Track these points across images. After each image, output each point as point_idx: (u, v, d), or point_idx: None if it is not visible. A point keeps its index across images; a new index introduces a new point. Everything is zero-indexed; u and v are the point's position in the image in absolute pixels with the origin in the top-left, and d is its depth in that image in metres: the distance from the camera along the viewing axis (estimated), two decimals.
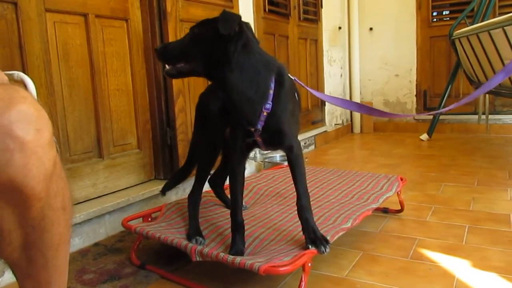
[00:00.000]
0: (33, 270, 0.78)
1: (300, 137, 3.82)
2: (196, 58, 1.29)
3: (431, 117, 4.18)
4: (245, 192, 1.96)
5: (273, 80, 1.29)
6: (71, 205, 0.80)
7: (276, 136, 1.35)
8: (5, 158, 0.62)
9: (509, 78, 2.80)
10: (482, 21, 3.58)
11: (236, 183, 1.43)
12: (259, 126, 1.30)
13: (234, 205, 1.44)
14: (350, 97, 4.85)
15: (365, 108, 1.88)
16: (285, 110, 1.32)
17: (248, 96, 1.26)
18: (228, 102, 1.34)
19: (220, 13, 1.26)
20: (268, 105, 1.28)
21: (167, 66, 1.33)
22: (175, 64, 1.31)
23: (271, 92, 1.28)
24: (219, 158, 1.69)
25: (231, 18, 1.24)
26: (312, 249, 1.30)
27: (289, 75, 1.40)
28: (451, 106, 1.90)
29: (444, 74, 4.45)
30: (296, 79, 1.48)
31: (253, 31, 1.39)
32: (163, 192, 1.82)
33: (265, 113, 1.28)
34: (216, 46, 1.25)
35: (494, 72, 3.01)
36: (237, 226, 1.42)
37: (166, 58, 1.33)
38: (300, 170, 1.39)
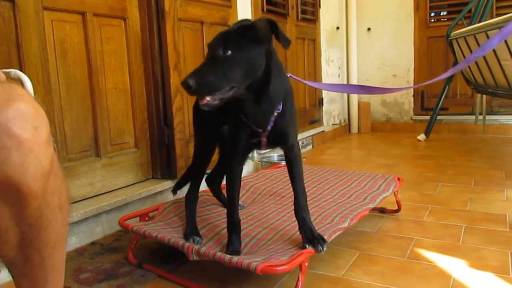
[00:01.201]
0: (29, 268, 0.78)
1: (297, 137, 3.81)
2: (242, 75, 1.16)
3: (428, 117, 4.19)
4: (242, 192, 1.97)
5: None
6: (68, 203, 0.80)
7: (281, 136, 1.35)
8: (2, 156, 0.62)
9: (507, 79, 2.82)
10: (479, 22, 3.59)
11: (234, 183, 1.43)
12: (269, 127, 1.30)
13: (231, 205, 1.44)
14: (348, 97, 4.86)
15: (367, 89, 1.85)
16: (291, 110, 1.32)
17: (274, 102, 1.25)
18: (246, 107, 1.26)
19: (265, 22, 1.17)
20: (280, 106, 1.28)
21: (208, 99, 1.12)
22: (217, 92, 1.13)
23: None
24: (216, 157, 1.70)
25: (276, 25, 1.16)
26: (309, 249, 1.30)
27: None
28: (446, 73, 1.87)
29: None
30: (292, 75, 1.47)
31: None
32: (174, 191, 1.81)
33: (275, 114, 1.28)
34: (263, 59, 1.19)
35: (491, 73, 3.02)
36: (234, 226, 1.42)
37: (206, 92, 1.12)
38: (299, 170, 1.39)
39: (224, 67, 1.13)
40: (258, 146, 1.40)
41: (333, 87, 1.91)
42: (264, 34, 1.17)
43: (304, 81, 1.64)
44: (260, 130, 1.31)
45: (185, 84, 1.08)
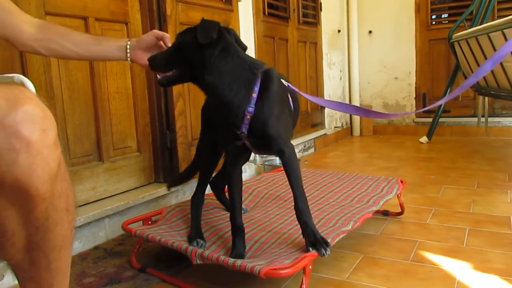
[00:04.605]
0: (35, 272, 0.77)
1: (299, 140, 3.81)
2: (180, 65, 1.33)
3: (430, 119, 4.19)
4: (245, 195, 1.97)
5: (258, 83, 1.29)
6: (75, 206, 0.80)
7: (263, 140, 1.34)
8: (11, 158, 0.62)
9: (509, 80, 2.81)
10: (481, 24, 3.59)
11: (233, 187, 1.43)
12: (244, 129, 1.31)
13: (233, 209, 1.44)
14: (350, 100, 4.86)
15: (362, 111, 1.88)
16: (269, 114, 1.31)
17: (227, 99, 1.28)
18: (211, 105, 1.38)
19: (200, 21, 1.27)
20: (251, 109, 1.28)
21: (158, 76, 1.37)
22: (164, 72, 1.35)
23: (254, 95, 1.28)
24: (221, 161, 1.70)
25: (209, 26, 1.26)
26: (313, 252, 1.29)
27: (281, 80, 1.39)
28: (443, 99, 1.89)
29: (443, 77, 4.46)
30: (290, 84, 1.47)
31: (239, 36, 1.41)
32: (169, 187, 1.97)
33: (248, 117, 1.29)
34: (195, 52, 1.28)
35: (493, 75, 3.01)
36: (237, 229, 1.42)
37: (156, 68, 1.37)
38: (295, 174, 1.38)
39: (172, 53, 1.34)
40: (248, 150, 1.40)
41: (329, 103, 1.92)
42: (201, 35, 1.26)
43: (301, 93, 1.64)
44: (239, 132, 1.32)
45: (148, 59, 1.36)
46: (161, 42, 1.38)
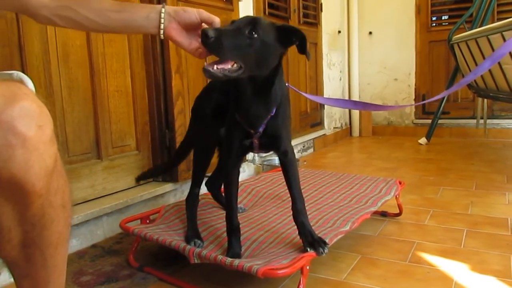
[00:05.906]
0: (31, 269, 0.77)
1: (299, 140, 3.81)
2: (254, 61, 1.16)
3: (429, 121, 4.19)
4: (243, 195, 1.97)
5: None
6: (71, 203, 0.80)
7: (274, 140, 1.35)
8: (7, 154, 0.62)
9: (507, 83, 2.82)
10: (481, 26, 3.59)
11: (231, 187, 1.43)
12: (261, 129, 1.30)
13: (230, 209, 1.43)
14: None
15: (361, 104, 1.88)
16: (284, 114, 1.33)
17: (271, 105, 1.28)
18: (240, 107, 1.30)
19: (293, 28, 1.22)
20: (274, 110, 1.29)
21: (217, 67, 1.10)
22: (226, 60, 1.11)
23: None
24: (215, 161, 1.69)
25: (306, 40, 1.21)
26: (311, 252, 1.29)
27: None
28: (441, 94, 1.89)
29: (442, 79, 4.47)
30: (289, 84, 1.48)
31: None
32: (138, 179, 2.02)
33: (269, 116, 1.29)
34: (275, 56, 1.22)
35: (493, 77, 3.02)
36: (233, 229, 1.42)
37: (219, 50, 1.08)
38: (294, 174, 1.39)
39: (245, 43, 1.12)
40: (251, 149, 1.40)
41: (327, 101, 1.92)
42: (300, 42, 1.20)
43: (300, 92, 1.64)
44: (252, 131, 1.31)
45: (204, 32, 1.04)
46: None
